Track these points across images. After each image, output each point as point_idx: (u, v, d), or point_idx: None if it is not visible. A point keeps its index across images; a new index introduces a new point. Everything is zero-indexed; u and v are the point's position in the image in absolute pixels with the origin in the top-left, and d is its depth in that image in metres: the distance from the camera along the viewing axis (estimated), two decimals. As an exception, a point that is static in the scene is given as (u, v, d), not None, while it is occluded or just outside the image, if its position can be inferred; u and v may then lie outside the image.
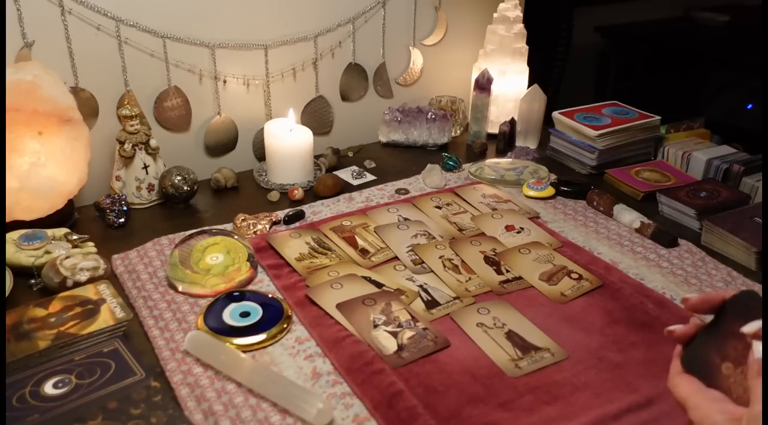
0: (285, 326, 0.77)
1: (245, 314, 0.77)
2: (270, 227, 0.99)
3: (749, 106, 2.36)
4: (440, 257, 0.90)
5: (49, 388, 0.65)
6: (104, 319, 0.73)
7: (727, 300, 0.54)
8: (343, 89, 1.30)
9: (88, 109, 1.04)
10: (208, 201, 1.09)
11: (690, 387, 0.54)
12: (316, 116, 1.28)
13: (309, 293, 0.82)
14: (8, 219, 0.89)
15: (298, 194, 1.07)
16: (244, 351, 0.72)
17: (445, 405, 0.65)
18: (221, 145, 1.20)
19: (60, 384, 0.65)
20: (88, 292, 0.78)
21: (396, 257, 0.91)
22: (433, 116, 1.29)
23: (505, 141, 1.31)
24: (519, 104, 1.29)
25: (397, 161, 1.26)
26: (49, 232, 0.89)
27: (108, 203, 0.99)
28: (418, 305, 0.81)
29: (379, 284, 0.84)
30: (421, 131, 1.29)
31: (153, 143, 1.05)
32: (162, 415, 0.62)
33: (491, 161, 1.22)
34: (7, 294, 0.79)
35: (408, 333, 0.75)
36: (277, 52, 1.19)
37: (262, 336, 0.74)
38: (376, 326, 0.75)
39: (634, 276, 0.88)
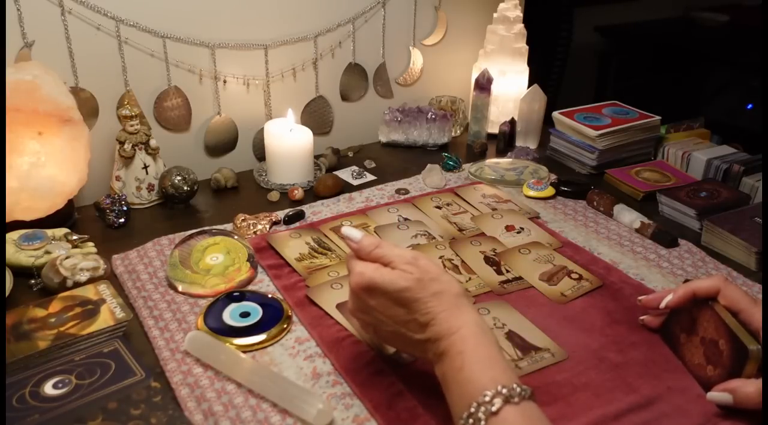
0: (285, 326, 0.77)
1: (245, 315, 0.77)
2: (270, 227, 0.99)
3: (749, 106, 2.36)
4: (440, 258, 0.90)
5: (49, 388, 0.65)
6: (104, 319, 0.73)
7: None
8: (343, 89, 1.30)
9: (88, 109, 1.04)
10: (208, 201, 1.09)
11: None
12: (316, 116, 1.28)
13: (309, 294, 0.82)
14: (8, 219, 0.89)
15: (298, 194, 1.07)
16: (244, 352, 0.72)
17: (445, 406, 0.65)
18: (221, 145, 1.20)
19: (60, 385, 0.65)
20: (88, 292, 0.78)
21: (396, 258, 0.91)
22: (433, 116, 1.29)
23: (505, 141, 1.31)
24: (519, 104, 1.29)
25: (397, 161, 1.26)
26: (49, 232, 0.89)
27: (108, 203, 0.99)
28: (418, 306, 0.80)
29: (379, 285, 0.84)
30: (421, 131, 1.29)
31: (153, 143, 1.05)
32: (162, 416, 0.62)
33: (491, 161, 1.22)
34: (7, 294, 0.79)
35: (408, 333, 0.74)
36: (277, 52, 1.19)
37: (262, 337, 0.74)
38: (376, 326, 0.75)
39: (634, 276, 0.88)
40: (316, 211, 1.04)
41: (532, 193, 1.10)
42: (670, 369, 0.71)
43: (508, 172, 1.17)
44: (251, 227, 0.97)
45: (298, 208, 1.04)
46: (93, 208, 1.01)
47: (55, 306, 0.75)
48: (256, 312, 0.78)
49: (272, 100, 1.21)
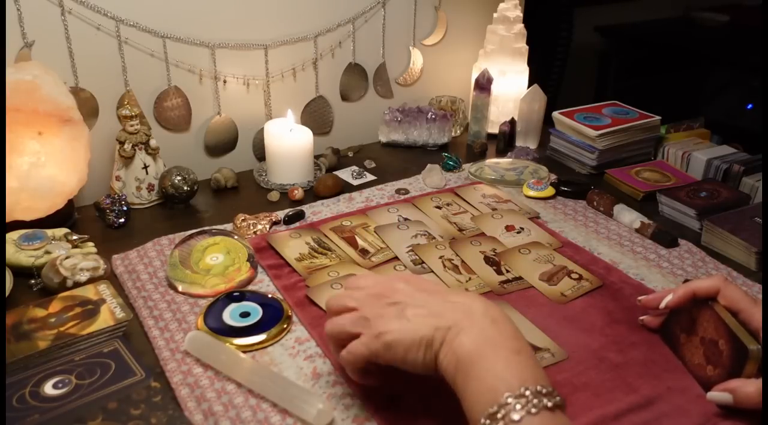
0: (285, 326, 0.77)
1: (245, 315, 0.77)
2: (270, 227, 0.99)
3: (749, 106, 2.36)
4: (440, 258, 0.90)
5: (49, 388, 0.65)
6: (104, 319, 0.73)
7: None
8: (343, 89, 1.30)
9: (88, 109, 1.04)
10: (208, 201, 1.09)
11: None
12: (316, 116, 1.28)
13: (309, 294, 0.82)
14: (8, 219, 0.89)
15: (298, 194, 1.07)
16: (244, 352, 0.72)
17: (445, 406, 0.65)
18: (221, 145, 1.20)
19: (60, 385, 0.65)
20: (88, 292, 0.78)
21: (396, 258, 0.91)
22: (433, 116, 1.29)
23: (505, 141, 1.31)
24: (519, 104, 1.29)
25: (397, 161, 1.26)
26: (49, 232, 0.89)
27: (108, 203, 0.99)
28: (418, 306, 0.80)
29: (379, 285, 0.84)
30: (421, 131, 1.29)
31: (153, 143, 1.05)
32: (162, 416, 0.62)
33: (491, 161, 1.22)
34: (7, 294, 0.79)
35: (408, 333, 0.74)
36: (277, 52, 1.19)
37: (262, 337, 0.74)
38: (376, 326, 0.75)
39: (634, 276, 0.88)
40: (316, 211, 1.04)
41: (532, 193, 1.10)
42: (670, 369, 0.71)
43: (508, 172, 1.17)
44: (251, 227, 0.97)
45: (298, 208, 1.04)
46: (93, 208, 1.01)
47: (55, 306, 0.75)
48: (256, 312, 0.78)
49: (272, 100, 1.21)
